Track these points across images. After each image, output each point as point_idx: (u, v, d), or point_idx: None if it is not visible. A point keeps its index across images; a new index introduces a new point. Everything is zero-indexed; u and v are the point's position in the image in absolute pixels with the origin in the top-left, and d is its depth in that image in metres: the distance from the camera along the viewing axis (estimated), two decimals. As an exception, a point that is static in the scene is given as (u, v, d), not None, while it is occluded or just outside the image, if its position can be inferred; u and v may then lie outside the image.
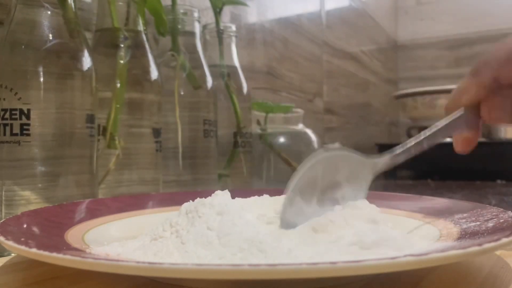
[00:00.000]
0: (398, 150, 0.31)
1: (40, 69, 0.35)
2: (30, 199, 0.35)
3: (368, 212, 0.29)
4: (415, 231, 0.31)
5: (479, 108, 0.30)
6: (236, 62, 0.63)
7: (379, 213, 0.30)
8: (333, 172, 0.30)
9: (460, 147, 0.31)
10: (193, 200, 0.30)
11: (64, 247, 0.25)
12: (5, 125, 0.35)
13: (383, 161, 0.31)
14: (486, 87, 0.28)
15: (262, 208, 0.31)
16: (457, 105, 0.30)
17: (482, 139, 1.36)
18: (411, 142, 0.31)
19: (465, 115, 0.30)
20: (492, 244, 0.21)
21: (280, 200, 0.30)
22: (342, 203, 0.30)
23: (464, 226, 0.29)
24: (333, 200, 0.30)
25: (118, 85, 0.43)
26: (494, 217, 0.29)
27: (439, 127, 0.30)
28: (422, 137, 0.31)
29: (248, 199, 0.33)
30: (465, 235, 0.27)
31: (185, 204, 0.29)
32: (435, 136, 0.31)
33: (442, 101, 1.34)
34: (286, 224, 0.28)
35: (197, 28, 0.56)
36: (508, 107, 0.28)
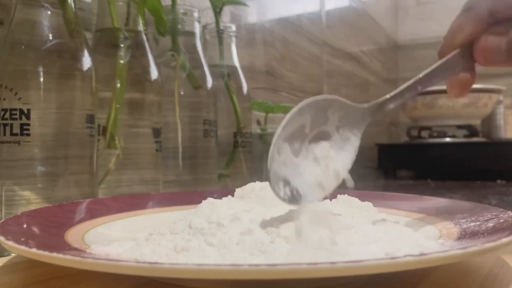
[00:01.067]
0: (391, 94, 0.29)
1: (40, 69, 0.35)
2: (30, 199, 0.35)
3: (365, 210, 0.29)
4: (415, 231, 0.31)
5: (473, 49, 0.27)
6: (236, 62, 0.63)
7: (376, 212, 0.30)
8: (322, 120, 0.28)
9: (454, 91, 0.29)
10: (192, 200, 0.30)
11: (64, 247, 0.25)
12: (5, 125, 0.35)
13: (376, 105, 0.29)
14: (481, 23, 0.26)
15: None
16: (451, 46, 0.28)
17: (482, 139, 1.36)
18: (404, 86, 0.29)
19: (460, 56, 0.28)
20: (492, 244, 0.21)
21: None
22: (332, 157, 0.28)
23: (464, 226, 0.29)
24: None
25: (118, 85, 0.43)
26: (494, 217, 0.29)
27: (432, 69, 0.28)
28: (414, 80, 0.29)
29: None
30: (465, 235, 0.27)
31: (194, 220, 0.27)
32: (428, 79, 0.29)
33: (442, 101, 1.34)
34: (275, 175, 0.26)
35: (197, 28, 0.56)
36: (503, 46, 0.25)
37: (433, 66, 0.28)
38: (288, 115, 0.27)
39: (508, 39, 0.25)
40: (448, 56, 0.28)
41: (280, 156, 0.26)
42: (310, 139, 0.28)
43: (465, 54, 0.27)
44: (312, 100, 0.27)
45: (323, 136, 0.28)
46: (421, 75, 0.28)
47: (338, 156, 0.28)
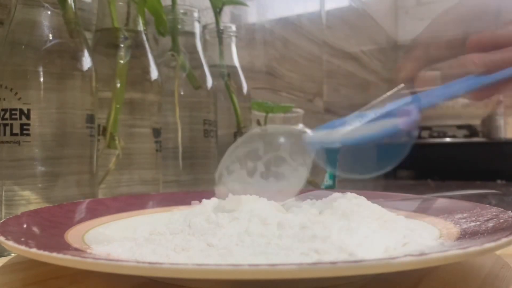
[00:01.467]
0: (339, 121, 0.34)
1: (40, 69, 0.35)
2: (30, 199, 0.35)
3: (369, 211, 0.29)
4: (415, 231, 0.31)
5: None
6: (236, 62, 0.63)
7: (379, 212, 0.30)
8: (275, 147, 0.31)
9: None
10: (192, 201, 0.30)
11: (64, 247, 0.25)
12: (5, 125, 0.35)
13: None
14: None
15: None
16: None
17: (482, 139, 1.36)
18: (355, 113, 0.34)
19: (407, 86, 0.34)
20: (492, 244, 0.21)
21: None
22: (287, 178, 0.31)
23: (464, 226, 0.29)
24: (278, 175, 0.31)
25: (118, 85, 0.43)
26: (494, 217, 0.29)
27: (383, 97, 0.34)
28: (367, 106, 0.34)
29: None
30: (465, 235, 0.27)
31: (193, 220, 0.28)
32: (381, 106, 0.34)
33: (442, 101, 1.34)
34: (223, 189, 0.29)
35: (197, 28, 0.56)
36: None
37: (384, 96, 0.34)
38: (240, 139, 0.31)
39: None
40: (394, 89, 0.34)
41: (230, 175, 0.30)
42: (265, 162, 0.31)
43: (409, 86, 0.34)
44: (263, 129, 0.32)
45: (279, 161, 0.32)
46: (374, 102, 0.34)
47: (291, 175, 0.31)
